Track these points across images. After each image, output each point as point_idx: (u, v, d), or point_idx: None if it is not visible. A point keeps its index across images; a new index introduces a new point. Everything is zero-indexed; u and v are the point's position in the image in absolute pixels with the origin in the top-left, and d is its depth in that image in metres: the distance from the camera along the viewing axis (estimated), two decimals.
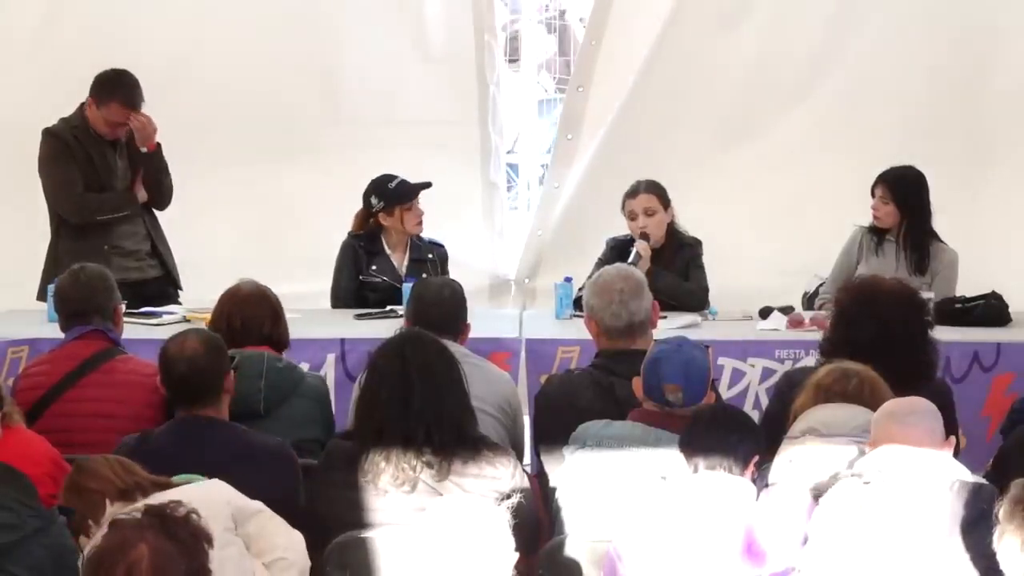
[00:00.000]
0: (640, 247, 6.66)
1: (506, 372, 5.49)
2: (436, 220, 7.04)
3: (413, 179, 6.89)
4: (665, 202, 6.79)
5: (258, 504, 3.93)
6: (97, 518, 3.80)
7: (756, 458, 4.02)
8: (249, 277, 5.30)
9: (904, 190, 6.75)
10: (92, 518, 3.81)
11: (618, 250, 6.77)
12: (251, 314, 5.12)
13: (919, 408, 3.92)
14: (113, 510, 3.75)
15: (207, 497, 3.79)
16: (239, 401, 4.69)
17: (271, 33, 7.88)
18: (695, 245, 6.87)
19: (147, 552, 3.11)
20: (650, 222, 6.75)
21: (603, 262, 6.71)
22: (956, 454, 3.92)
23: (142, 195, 6.89)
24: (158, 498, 3.67)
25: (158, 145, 6.84)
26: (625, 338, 5.01)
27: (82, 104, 6.79)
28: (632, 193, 6.80)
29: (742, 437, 4.00)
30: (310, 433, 4.94)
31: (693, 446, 4.01)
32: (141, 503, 3.60)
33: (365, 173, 7.02)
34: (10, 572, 3.56)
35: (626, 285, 5.07)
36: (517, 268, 8.30)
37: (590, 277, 6.75)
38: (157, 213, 7.01)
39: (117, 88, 6.72)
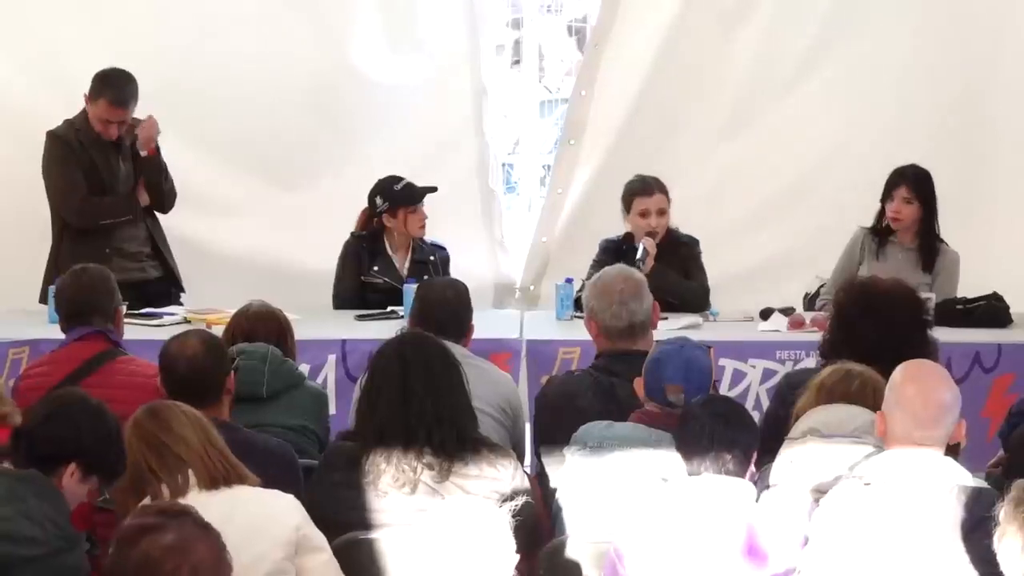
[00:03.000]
0: (647, 244, 6.67)
1: (507, 373, 5.48)
2: (436, 227, 7.04)
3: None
4: (669, 201, 6.81)
5: (324, 541, 3.87)
6: (177, 490, 3.73)
7: (754, 453, 4.01)
8: (259, 298, 5.33)
9: (925, 187, 6.73)
10: (170, 488, 3.74)
11: (612, 251, 6.77)
12: (257, 329, 5.13)
13: (939, 415, 3.85)
14: (192, 499, 3.66)
15: (278, 509, 3.78)
16: (242, 384, 4.68)
17: (268, 41, 7.86)
18: (692, 244, 6.88)
19: (204, 551, 3.09)
20: (661, 221, 6.76)
21: (599, 263, 6.72)
22: (956, 454, 3.91)
23: (144, 199, 6.89)
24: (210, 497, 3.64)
25: (156, 149, 6.84)
26: (626, 339, 5.01)
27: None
28: (647, 191, 6.78)
29: (736, 428, 3.97)
30: (310, 423, 4.95)
31: (687, 442, 3.98)
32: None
33: (362, 181, 7.03)
34: None
35: (626, 286, 5.07)
36: (522, 275, 8.28)
37: (587, 279, 6.80)
38: (160, 217, 7.02)
39: (105, 86, 6.73)
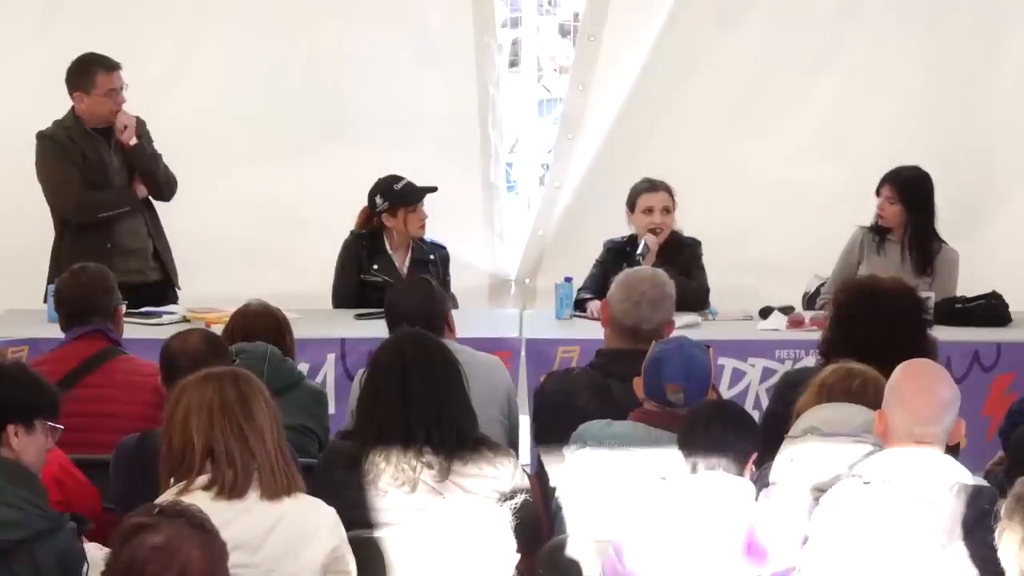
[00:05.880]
0: (649, 240, 6.69)
1: (507, 373, 5.42)
2: (436, 220, 7.04)
3: (413, 178, 6.89)
4: (675, 204, 6.83)
5: (352, 564, 3.81)
6: (239, 485, 3.66)
7: (754, 455, 4.01)
8: (258, 298, 5.33)
9: (911, 190, 6.76)
10: (235, 476, 3.68)
11: (615, 252, 6.78)
12: (256, 328, 5.12)
13: (939, 413, 3.84)
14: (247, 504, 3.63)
15: (318, 527, 3.72)
16: None
17: (271, 32, 7.88)
18: (695, 246, 6.89)
19: (193, 552, 3.07)
20: (666, 219, 6.78)
21: (602, 263, 6.75)
22: (956, 454, 3.92)
23: (141, 191, 6.89)
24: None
25: (140, 138, 6.84)
26: (627, 338, 5.00)
27: (73, 105, 6.81)
28: (653, 188, 6.81)
29: (739, 434, 3.99)
30: (310, 423, 4.93)
31: (691, 445, 3.99)
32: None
33: (365, 173, 7.02)
34: (12, 572, 3.54)
35: (648, 290, 5.04)
36: (518, 267, 8.30)
37: (589, 278, 6.81)
38: (159, 211, 7.01)
39: (91, 64, 6.75)
